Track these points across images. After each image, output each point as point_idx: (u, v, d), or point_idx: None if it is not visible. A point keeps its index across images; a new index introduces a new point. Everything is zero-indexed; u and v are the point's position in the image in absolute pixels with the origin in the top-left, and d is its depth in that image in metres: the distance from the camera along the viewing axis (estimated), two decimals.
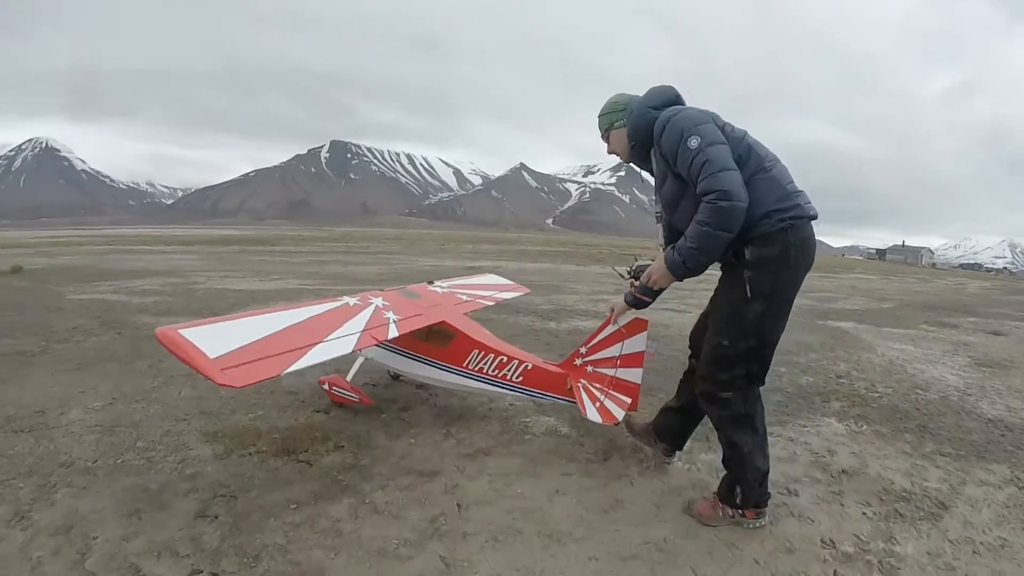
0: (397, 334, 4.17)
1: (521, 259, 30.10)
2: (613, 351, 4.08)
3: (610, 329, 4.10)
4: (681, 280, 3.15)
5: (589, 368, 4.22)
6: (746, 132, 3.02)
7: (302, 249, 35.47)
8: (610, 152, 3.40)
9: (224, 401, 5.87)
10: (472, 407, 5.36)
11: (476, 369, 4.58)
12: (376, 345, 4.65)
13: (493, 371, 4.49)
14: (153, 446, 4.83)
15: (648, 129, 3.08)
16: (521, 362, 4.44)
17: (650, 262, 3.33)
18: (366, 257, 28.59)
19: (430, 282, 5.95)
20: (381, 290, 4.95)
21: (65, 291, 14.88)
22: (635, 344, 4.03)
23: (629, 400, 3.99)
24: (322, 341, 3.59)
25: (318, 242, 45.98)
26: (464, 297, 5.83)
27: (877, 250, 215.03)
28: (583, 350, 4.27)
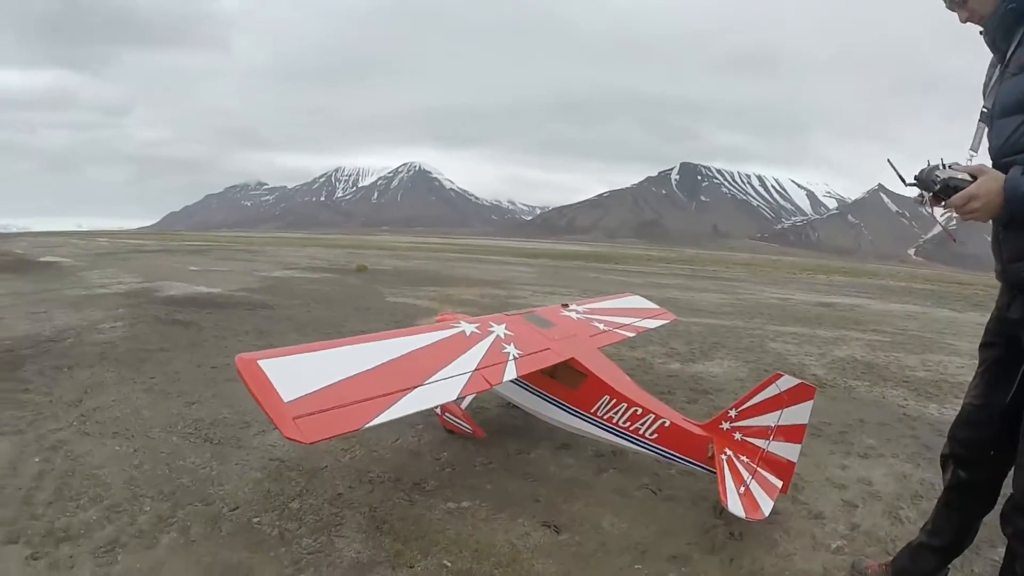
0: (515, 375, 4.01)
1: (885, 297, 25.44)
2: (769, 420, 3.83)
3: (769, 392, 3.85)
4: (1004, 225, 2.53)
5: (737, 436, 3.97)
6: None
7: (644, 269, 35.69)
8: (966, 18, 2.70)
9: (437, 469, 4.85)
10: None
11: (605, 418, 4.41)
12: None
13: (624, 423, 4.33)
14: (303, 514, 3.99)
15: None
16: (658, 417, 4.22)
17: (968, 179, 2.41)
18: (709, 283, 27.58)
19: (565, 305, 5.87)
20: (507, 314, 4.87)
21: (387, 292, 16.72)
22: (796, 415, 3.76)
23: (780, 484, 3.76)
24: (421, 384, 3.34)
25: (664, 263, 46.66)
26: (601, 326, 5.62)
27: None
28: (732, 413, 4.00)
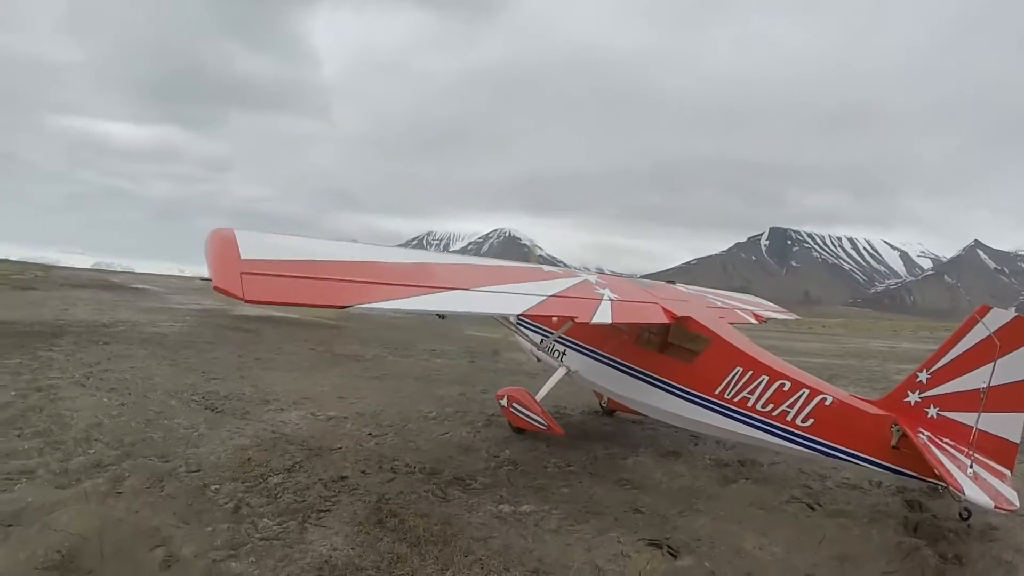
0: (610, 319, 3.06)
1: None
2: (976, 379, 2.59)
3: (972, 337, 2.62)
4: None
5: (931, 410, 2.75)
6: None
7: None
8: None
9: (492, 466, 3.76)
10: None
11: (736, 399, 3.21)
12: (582, 353, 3.81)
13: (764, 405, 3.11)
14: (281, 491, 3.01)
15: None
16: (814, 392, 3.03)
17: None
18: (809, 336, 26.03)
19: (671, 281, 4.97)
20: (598, 271, 3.97)
21: (468, 328, 16.18)
22: (1016, 365, 2.49)
23: (1007, 471, 2.55)
24: (467, 288, 2.45)
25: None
26: (719, 303, 4.61)
27: None
28: (922, 376, 2.81)
